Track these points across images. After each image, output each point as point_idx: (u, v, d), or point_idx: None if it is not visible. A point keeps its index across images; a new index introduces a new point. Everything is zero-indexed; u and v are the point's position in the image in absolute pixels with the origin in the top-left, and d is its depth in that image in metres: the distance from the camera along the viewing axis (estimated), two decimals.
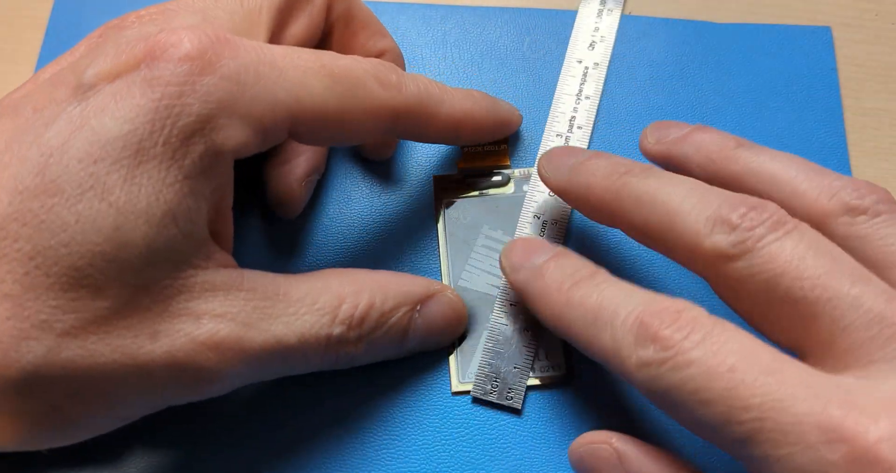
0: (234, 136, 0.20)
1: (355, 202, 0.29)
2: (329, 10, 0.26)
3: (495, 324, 0.27)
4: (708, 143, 0.24)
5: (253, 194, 0.29)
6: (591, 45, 0.32)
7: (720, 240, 0.20)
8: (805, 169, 0.23)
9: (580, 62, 0.32)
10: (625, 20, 0.33)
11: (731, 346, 0.18)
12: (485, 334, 0.27)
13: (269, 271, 0.22)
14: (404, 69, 0.29)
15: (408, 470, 0.25)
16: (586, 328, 0.21)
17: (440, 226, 0.29)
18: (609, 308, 0.21)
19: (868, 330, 0.18)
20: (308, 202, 0.29)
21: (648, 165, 0.23)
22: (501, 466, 0.25)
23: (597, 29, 0.32)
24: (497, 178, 0.29)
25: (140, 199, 0.19)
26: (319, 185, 0.29)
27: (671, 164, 0.25)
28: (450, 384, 0.26)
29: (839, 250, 0.20)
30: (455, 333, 0.26)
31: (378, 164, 0.30)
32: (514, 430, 0.26)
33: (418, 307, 0.24)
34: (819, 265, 0.19)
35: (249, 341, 0.21)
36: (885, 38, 0.32)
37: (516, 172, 0.30)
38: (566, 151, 0.26)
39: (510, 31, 0.33)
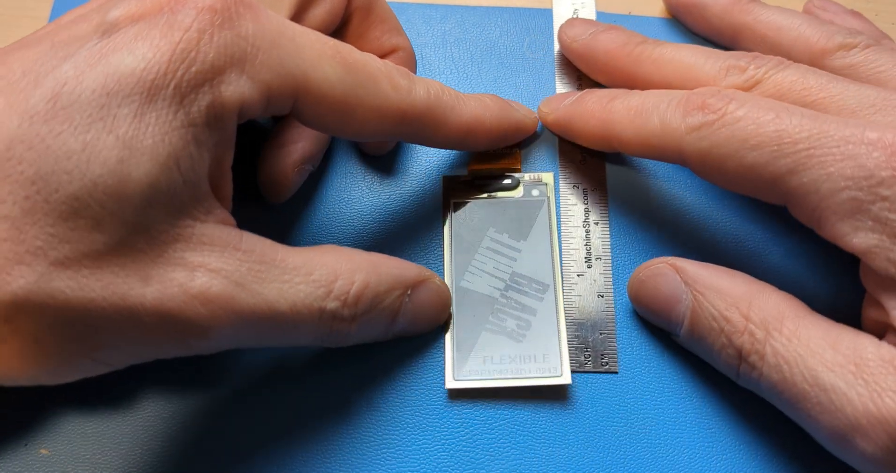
0: (241, 92, 0.20)
1: (365, 200, 0.29)
2: (350, 0, 0.27)
3: (568, 297, 0.27)
4: None
5: (254, 195, 0.29)
6: None
7: (735, 79, 0.25)
8: (806, 19, 0.28)
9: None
10: (624, 20, 0.33)
11: (771, 104, 0.23)
12: (556, 314, 0.27)
13: None
14: (415, 69, 0.29)
15: (406, 468, 0.25)
16: (631, 119, 0.25)
17: (446, 226, 0.29)
18: (650, 103, 0.25)
19: (867, 100, 0.23)
20: (315, 198, 0.29)
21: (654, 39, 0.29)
22: (500, 465, 0.25)
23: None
24: (507, 181, 0.29)
25: (146, 136, 0.19)
26: (326, 181, 0.30)
27: (692, 10, 0.32)
28: (444, 381, 0.26)
29: (832, 75, 0.24)
30: (439, 320, 0.27)
31: (387, 162, 0.30)
32: (511, 430, 0.26)
33: (409, 292, 0.25)
34: (819, 78, 0.24)
35: (241, 301, 0.21)
36: None
37: (526, 176, 0.30)
38: (585, 21, 0.31)
39: (510, 31, 0.33)
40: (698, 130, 0.23)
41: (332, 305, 0.22)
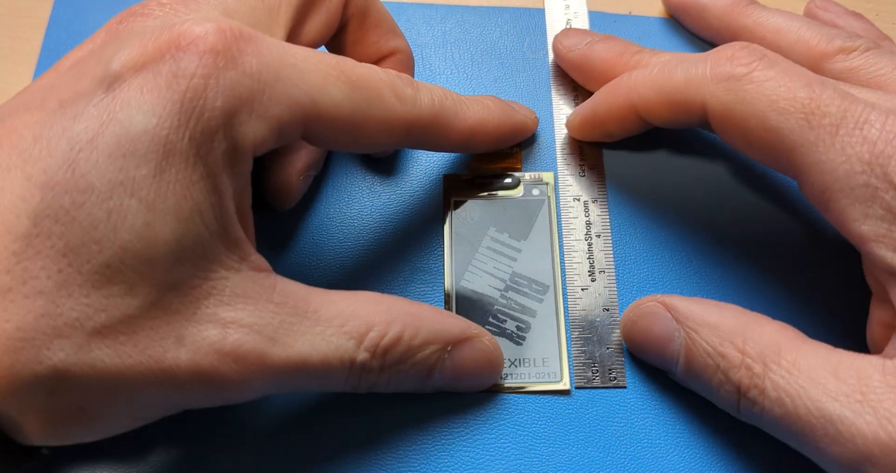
0: (253, 133, 0.20)
1: (365, 199, 0.29)
2: (346, 6, 0.26)
3: (573, 312, 0.27)
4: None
5: (255, 191, 0.29)
6: None
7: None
8: (806, 22, 0.28)
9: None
10: (625, 20, 0.33)
11: (803, 70, 0.23)
12: (556, 316, 0.27)
13: (276, 265, 0.22)
14: (413, 70, 0.29)
15: (405, 468, 0.25)
16: (654, 78, 0.25)
17: (447, 225, 0.29)
18: (675, 58, 0.25)
19: None
20: (315, 199, 0.29)
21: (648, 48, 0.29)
22: (500, 465, 0.25)
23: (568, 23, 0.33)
24: (507, 180, 0.29)
25: (169, 195, 0.19)
26: (328, 180, 0.30)
27: (691, 11, 0.32)
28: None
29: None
30: (486, 381, 0.26)
31: (388, 162, 0.30)
32: (512, 430, 0.26)
33: (449, 348, 0.24)
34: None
35: (273, 356, 0.21)
36: None
37: (527, 175, 0.30)
38: (580, 31, 0.31)
39: (510, 32, 0.33)
40: (726, 81, 0.23)
41: (361, 356, 0.22)
